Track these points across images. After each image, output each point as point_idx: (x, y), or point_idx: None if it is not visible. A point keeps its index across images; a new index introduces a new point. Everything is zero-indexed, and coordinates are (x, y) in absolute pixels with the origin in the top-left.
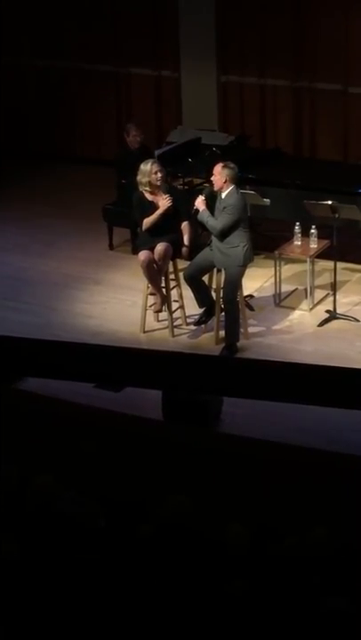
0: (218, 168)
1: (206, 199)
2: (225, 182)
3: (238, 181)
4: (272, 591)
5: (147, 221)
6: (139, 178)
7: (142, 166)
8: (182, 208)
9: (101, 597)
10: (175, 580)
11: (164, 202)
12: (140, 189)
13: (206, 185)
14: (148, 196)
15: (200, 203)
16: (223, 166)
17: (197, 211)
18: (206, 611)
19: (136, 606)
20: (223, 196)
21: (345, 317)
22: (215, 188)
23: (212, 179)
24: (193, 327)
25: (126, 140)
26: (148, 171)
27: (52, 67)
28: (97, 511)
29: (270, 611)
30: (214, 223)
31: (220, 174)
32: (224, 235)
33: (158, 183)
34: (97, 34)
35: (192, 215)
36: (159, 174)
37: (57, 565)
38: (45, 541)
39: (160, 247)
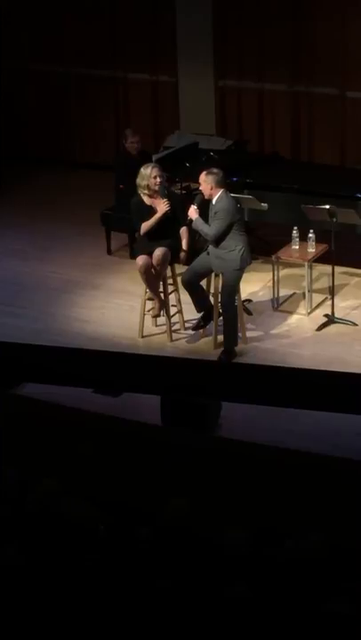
0: (202, 177)
1: (199, 207)
2: (212, 189)
3: (227, 185)
4: (272, 594)
5: (145, 225)
6: (138, 181)
7: (142, 170)
8: (181, 213)
9: (102, 600)
10: (175, 583)
11: (162, 206)
12: (139, 193)
13: (199, 191)
14: (147, 201)
15: (192, 212)
16: (207, 173)
17: (191, 220)
18: (206, 614)
19: (136, 609)
20: (214, 201)
21: (343, 321)
22: (205, 197)
23: (199, 188)
24: (191, 332)
25: (125, 145)
26: (148, 174)
27: (51, 71)
28: (97, 515)
29: (271, 614)
30: (208, 230)
31: (204, 182)
32: (219, 240)
33: (157, 188)
34: (95, 39)
35: (187, 224)
36: (158, 179)
37: (57, 569)
38: (46, 545)
39: (158, 252)
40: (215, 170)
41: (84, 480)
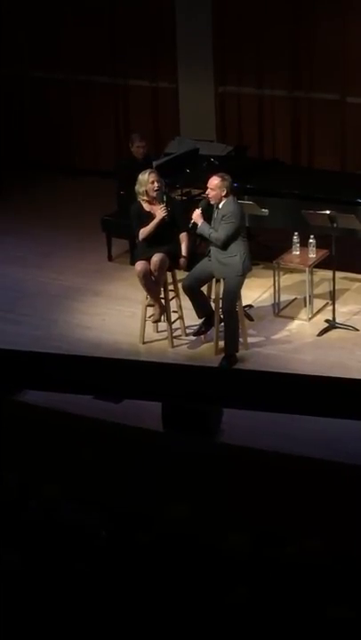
0: (217, 182)
1: (203, 212)
2: (225, 194)
3: (236, 191)
4: (273, 600)
5: (143, 231)
6: (136, 187)
7: (140, 176)
8: (180, 219)
9: (102, 606)
10: (176, 588)
11: (160, 212)
12: (138, 199)
13: (204, 196)
14: (146, 207)
15: (198, 217)
16: (222, 180)
17: (196, 225)
18: (207, 619)
19: (137, 615)
20: (220, 206)
21: (344, 327)
22: (214, 201)
23: (209, 193)
24: (192, 338)
25: (130, 149)
26: (145, 180)
27: (50, 78)
28: (98, 521)
29: (272, 619)
30: (217, 235)
31: (220, 188)
32: (227, 244)
33: (155, 193)
34: (95, 45)
35: (190, 228)
36: (156, 184)
37: (58, 574)
38: (47, 551)
39: (156, 258)
40: (227, 175)
41: (86, 486)
